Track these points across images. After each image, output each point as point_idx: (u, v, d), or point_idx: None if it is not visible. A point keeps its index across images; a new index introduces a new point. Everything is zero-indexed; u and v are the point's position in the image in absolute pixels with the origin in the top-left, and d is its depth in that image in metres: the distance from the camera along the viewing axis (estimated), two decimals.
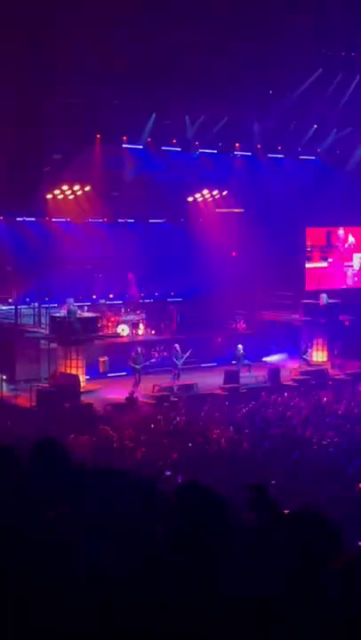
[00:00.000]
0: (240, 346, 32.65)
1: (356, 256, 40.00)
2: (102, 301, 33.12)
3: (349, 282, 39.80)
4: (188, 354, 31.22)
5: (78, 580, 3.76)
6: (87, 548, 4.04)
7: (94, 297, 33.56)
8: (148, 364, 30.88)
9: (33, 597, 3.67)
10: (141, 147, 33.47)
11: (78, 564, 3.92)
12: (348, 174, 38.55)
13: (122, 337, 33.28)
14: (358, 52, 31.71)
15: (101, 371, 31.56)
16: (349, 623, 3.50)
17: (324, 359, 34.74)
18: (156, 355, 32.46)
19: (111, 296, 34.47)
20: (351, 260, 40.02)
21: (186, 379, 30.87)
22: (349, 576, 5.26)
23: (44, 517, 4.29)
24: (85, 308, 31.26)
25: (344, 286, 39.13)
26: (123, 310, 34.52)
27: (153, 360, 31.82)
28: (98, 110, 30.43)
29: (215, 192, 37.93)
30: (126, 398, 27.46)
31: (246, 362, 32.38)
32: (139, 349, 30.74)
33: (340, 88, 32.93)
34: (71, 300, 30.24)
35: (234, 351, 32.53)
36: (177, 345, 31.27)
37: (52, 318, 29.60)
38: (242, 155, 36.09)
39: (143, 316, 34.78)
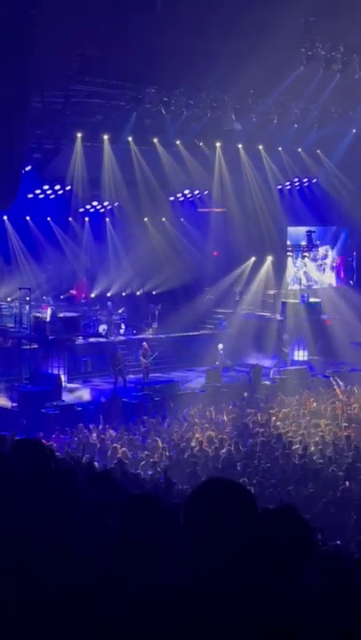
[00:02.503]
0: (220, 345, 32.70)
1: (331, 254, 40.13)
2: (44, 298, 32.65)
3: (330, 281, 39.89)
4: (155, 354, 31.43)
5: (62, 577, 3.73)
6: (72, 545, 4.02)
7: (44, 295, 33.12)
8: (128, 363, 30.93)
9: (18, 595, 3.65)
10: (122, 145, 33.39)
11: (63, 561, 3.90)
12: (329, 173, 38.62)
13: (103, 336, 33.29)
14: (339, 50, 31.71)
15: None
16: (325, 621, 3.49)
17: (305, 358, 34.86)
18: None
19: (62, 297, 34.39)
20: (331, 259, 40.14)
21: (166, 378, 30.98)
22: (325, 574, 5.26)
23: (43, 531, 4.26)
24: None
25: (325, 285, 39.21)
26: (104, 310, 34.50)
27: (157, 353, 31.96)
28: (78, 109, 30.31)
29: (197, 191, 37.94)
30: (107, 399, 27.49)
31: (227, 362, 32.43)
32: (145, 344, 30.96)
33: (320, 86, 32.95)
34: (49, 298, 30.23)
35: (215, 350, 32.56)
36: (145, 343, 31.40)
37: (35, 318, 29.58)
38: (223, 153, 36.06)
39: (125, 315, 34.78)
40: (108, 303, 34.41)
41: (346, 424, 23.49)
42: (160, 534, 3.87)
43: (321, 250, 39.11)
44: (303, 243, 38.17)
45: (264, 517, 3.57)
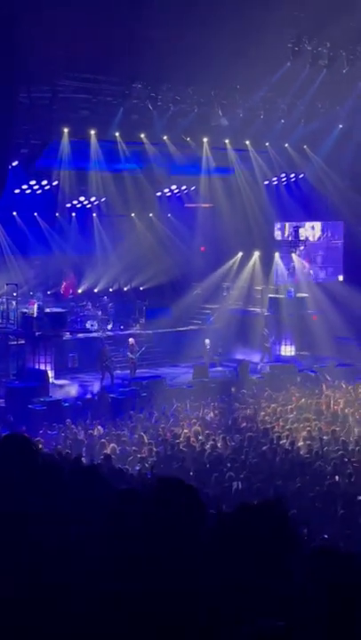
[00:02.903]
0: (207, 340, 32.72)
1: (318, 249, 40.24)
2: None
3: (317, 276, 39.96)
4: (142, 349, 31.42)
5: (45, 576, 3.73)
6: (56, 540, 4.02)
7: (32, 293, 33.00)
8: (116, 359, 30.94)
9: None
10: (109, 140, 33.33)
11: (46, 558, 3.89)
12: (315, 168, 38.66)
13: (91, 332, 33.30)
14: (325, 46, 31.74)
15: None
16: (311, 611, 3.50)
17: (293, 353, 34.92)
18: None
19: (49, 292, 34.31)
20: (318, 254, 40.23)
21: (154, 373, 30.96)
22: (312, 567, 5.27)
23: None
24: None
25: (312, 280, 39.26)
26: (91, 306, 34.48)
27: (144, 348, 31.91)
28: (65, 104, 30.24)
29: (184, 187, 37.93)
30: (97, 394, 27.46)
31: (215, 357, 32.46)
32: (132, 340, 30.95)
33: (307, 82, 32.97)
34: (38, 294, 30.16)
35: (202, 346, 32.60)
36: (132, 339, 31.39)
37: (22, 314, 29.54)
38: (210, 148, 36.03)
39: (112, 311, 34.77)
40: (104, 297, 34.47)
41: (329, 419, 23.52)
42: (147, 529, 3.88)
43: (308, 245, 39.16)
44: (290, 238, 38.22)
45: (246, 512, 3.58)
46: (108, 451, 19.32)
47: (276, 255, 38.31)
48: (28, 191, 33.14)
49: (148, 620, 3.28)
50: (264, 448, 19.60)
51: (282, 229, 39.01)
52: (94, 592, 3.53)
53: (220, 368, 32.01)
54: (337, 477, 16.96)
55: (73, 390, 28.78)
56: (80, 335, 32.65)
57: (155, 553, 4.00)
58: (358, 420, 23.19)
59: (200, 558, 3.46)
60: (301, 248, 38.11)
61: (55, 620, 3.50)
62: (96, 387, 28.92)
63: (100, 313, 33.88)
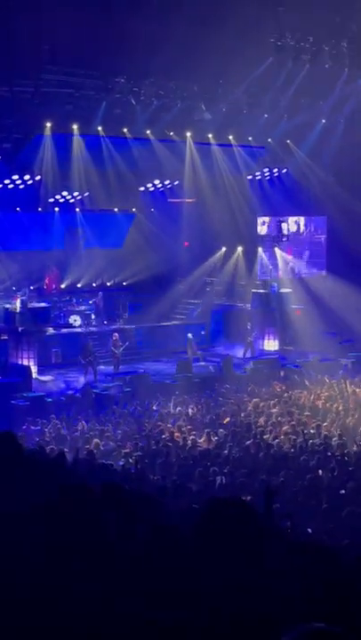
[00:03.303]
0: (190, 335, 32.73)
1: (302, 244, 40.30)
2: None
3: (301, 270, 40.00)
4: (126, 344, 31.39)
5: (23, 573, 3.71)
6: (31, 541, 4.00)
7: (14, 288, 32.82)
8: (99, 354, 30.88)
9: None
10: (92, 135, 33.22)
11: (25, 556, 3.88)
12: (298, 163, 38.70)
13: (74, 327, 33.25)
14: (308, 41, 31.75)
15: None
16: (293, 606, 3.50)
17: (276, 348, 34.97)
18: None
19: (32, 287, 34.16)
20: (302, 249, 40.29)
21: (138, 368, 30.97)
22: (294, 561, 5.28)
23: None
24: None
25: (296, 275, 39.31)
26: (75, 300, 34.43)
27: (103, 351, 31.80)
28: (48, 99, 30.13)
29: (167, 181, 37.88)
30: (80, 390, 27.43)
31: (198, 352, 32.47)
32: (115, 335, 30.92)
33: (290, 77, 32.98)
34: (21, 289, 30.06)
35: (186, 341, 32.61)
36: (116, 334, 31.36)
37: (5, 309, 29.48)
38: (193, 143, 36.00)
39: (95, 305, 34.72)
40: (99, 293, 34.49)
41: (308, 413, 23.58)
42: (127, 523, 3.87)
43: (292, 239, 39.22)
44: (273, 233, 38.26)
45: (214, 506, 3.58)
46: (91, 446, 19.29)
47: (260, 250, 38.34)
48: (11, 186, 32.98)
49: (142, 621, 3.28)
50: (248, 443, 19.62)
51: (269, 225, 38.94)
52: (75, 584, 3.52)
53: (203, 363, 32.02)
54: (320, 472, 17.00)
55: (56, 386, 28.72)
56: (64, 330, 32.62)
57: (137, 543, 3.99)
58: (341, 415, 23.25)
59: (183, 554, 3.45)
60: (285, 240, 38.13)
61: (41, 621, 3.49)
62: (79, 382, 28.87)
63: (100, 307, 33.91)
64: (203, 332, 33.63)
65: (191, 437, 20.40)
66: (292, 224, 39.74)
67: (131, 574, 3.62)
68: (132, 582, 3.45)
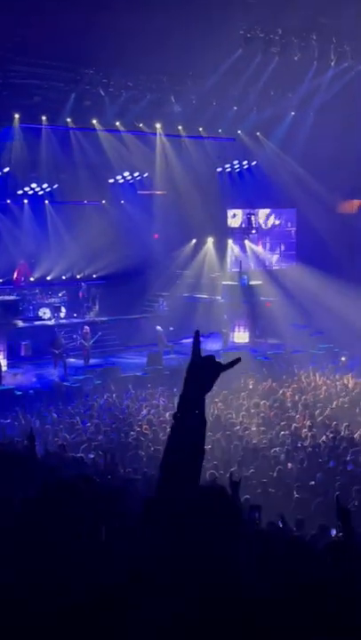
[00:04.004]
0: (159, 327, 32.72)
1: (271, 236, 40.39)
2: None
3: (271, 262, 40.07)
4: (96, 336, 31.33)
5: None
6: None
7: None
8: (69, 347, 30.78)
9: None
10: (61, 127, 33.06)
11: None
12: (268, 155, 38.74)
13: (44, 320, 33.16)
14: (277, 33, 31.74)
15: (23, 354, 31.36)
16: (260, 598, 3.49)
17: (246, 340, 35.00)
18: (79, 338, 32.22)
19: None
20: (274, 241, 40.37)
21: (108, 361, 30.92)
22: (261, 552, 5.28)
23: None
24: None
25: (266, 267, 39.36)
26: (44, 294, 34.29)
27: (74, 343, 31.68)
28: (16, 90, 29.94)
29: (137, 173, 37.76)
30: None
31: (168, 344, 32.46)
32: (86, 327, 30.88)
33: (259, 69, 32.98)
34: None
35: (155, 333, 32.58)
36: (86, 327, 31.29)
37: None
38: (163, 135, 35.95)
39: (65, 298, 34.60)
40: (83, 284, 34.41)
41: (274, 404, 23.64)
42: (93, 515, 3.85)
43: (263, 231, 39.30)
44: (243, 225, 38.31)
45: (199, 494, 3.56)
46: (60, 439, 19.24)
47: (230, 242, 38.37)
48: None
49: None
50: (218, 435, 19.63)
51: (244, 218, 38.88)
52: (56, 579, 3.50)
53: (173, 355, 31.98)
54: (290, 465, 17.07)
55: (26, 379, 28.60)
56: (37, 323, 32.58)
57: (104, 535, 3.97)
58: (311, 406, 23.34)
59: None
60: (254, 232, 38.18)
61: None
62: (50, 375, 28.78)
63: (84, 299, 34.00)
64: (171, 329, 33.54)
65: (165, 430, 20.38)
66: (264, 216, 39.81)
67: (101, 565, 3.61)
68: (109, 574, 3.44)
